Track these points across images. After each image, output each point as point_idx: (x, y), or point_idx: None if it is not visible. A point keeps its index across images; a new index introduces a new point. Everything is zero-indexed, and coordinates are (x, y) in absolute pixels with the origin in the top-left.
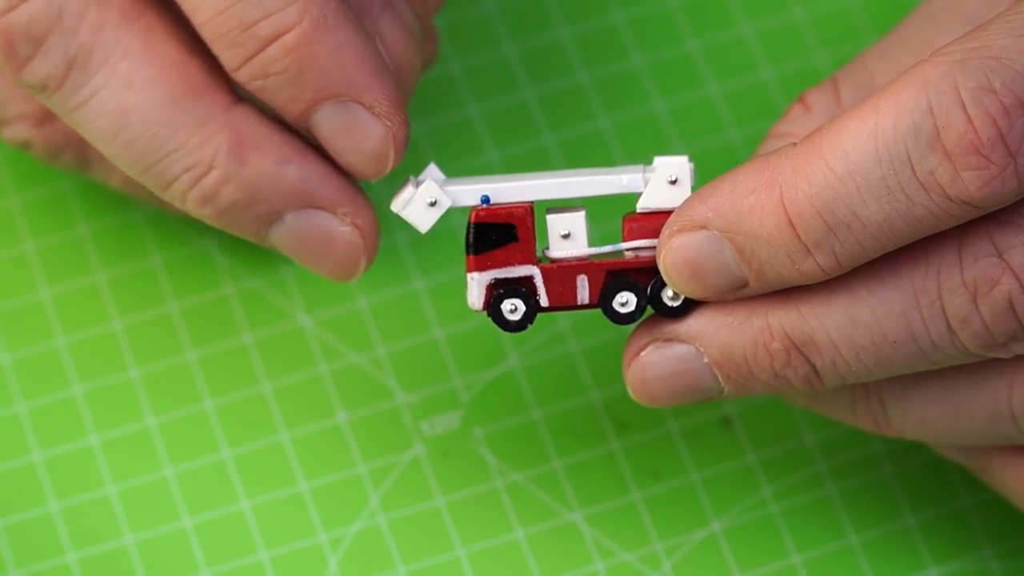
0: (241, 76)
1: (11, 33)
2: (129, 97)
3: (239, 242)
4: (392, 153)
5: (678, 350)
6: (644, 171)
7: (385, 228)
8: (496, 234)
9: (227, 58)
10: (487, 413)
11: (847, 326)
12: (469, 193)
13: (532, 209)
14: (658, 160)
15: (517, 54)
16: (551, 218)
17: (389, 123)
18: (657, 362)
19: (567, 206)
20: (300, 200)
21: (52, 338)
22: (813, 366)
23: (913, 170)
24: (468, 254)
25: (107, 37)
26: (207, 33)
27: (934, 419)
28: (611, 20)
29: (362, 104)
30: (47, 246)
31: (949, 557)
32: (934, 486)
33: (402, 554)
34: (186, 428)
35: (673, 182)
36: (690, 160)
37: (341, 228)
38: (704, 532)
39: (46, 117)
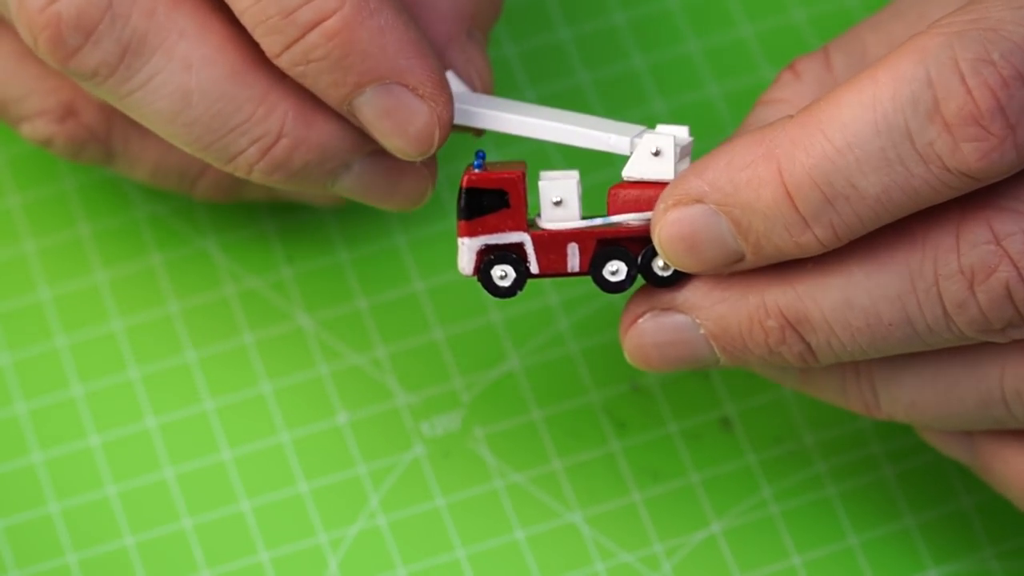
0: (283, 63)
1: (59, 23)
2: (190, 77)
3: (239, 243)
4: (437, 133)
5: (675, 319)
6: (637, 135)
7: (385, 230)
8: (488, 200)
9: (268, 45)
10: (487, 414)
11: (843, 307)
12: (460, 114)
13: (524, 175)
14: (660, 128)
15: (517, 54)
16: (544, 184)
17: (433, 104)
18: (654, 330)
19: (560, 171)
20: (367, 147)
21: (52, 338)
22: (808, 344)
23: (912, 141)
24: (459, 219)
25: (160, 20)
26: (247, 20)
27: (925, 402)
28: (611, 20)
29: (406, 86)
30: (47, 246)
31: (949, 558)
32: (934, 487)
33: (402, 555)
34: (186, 428)
35: (656, 154)
36: (691, 134)
37: (409, 164)
38: (704, 533)
39: (68, 112)
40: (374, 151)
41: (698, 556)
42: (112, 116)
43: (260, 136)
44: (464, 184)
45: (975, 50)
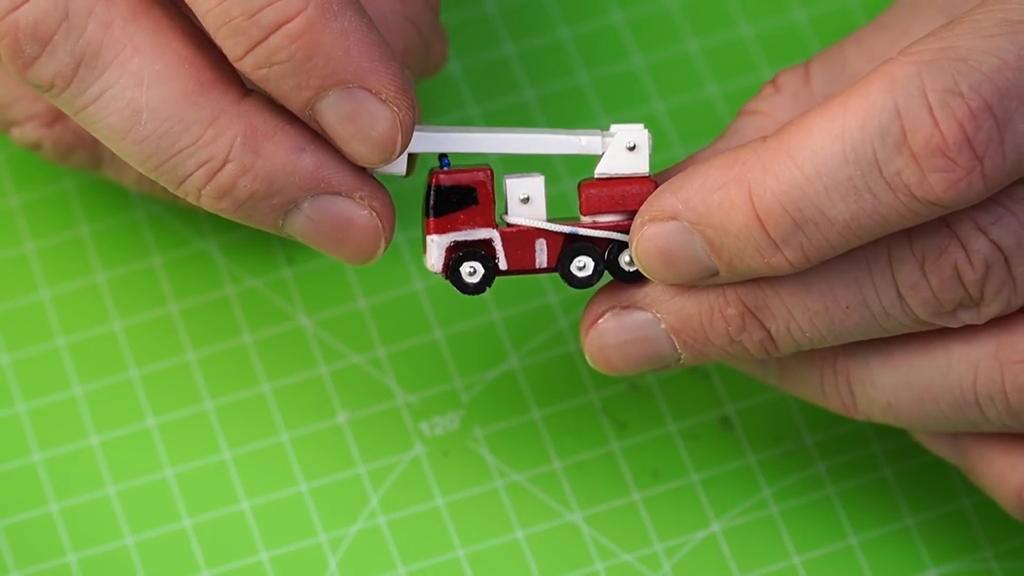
0: (245, 66)
1: (16, 32)
2: (140, 94)
3: (239, 243)
4: (399, 139)
5: (636, 317)
6: (603, 135)
7: None
8: (456, 197)
9: (230, 47)
10: (487, 413)
11: (800, 291)
12: (426, 140)
13: (492, 173)
14: (615, 127)
15: (517, 54)
16: (510, 182)
17: (396, 108)
18: (615, 329)
19: (523, 173)
20: (317, 187)
21: (52, 338)
22: (768, 331)
23: (880, 171)
24: (428, 216)
25: (115, 34)
26: (209, 23)
27: (900, 404)
28: (611, 20)
29: (368, 90)
30: (47, 246)
31: (949, 558)
32: (934, 487)
33: (402, 554)
34: (186, 428)
35: (631, 148)
36: (646, 127)
37: (359, 212)
38: (704, 533)
39: (57, 117)
40: (323, 192)
41: (698, 556)
42: None
43: (207, 159)
44: (433, 182)
45: (944, 81)
